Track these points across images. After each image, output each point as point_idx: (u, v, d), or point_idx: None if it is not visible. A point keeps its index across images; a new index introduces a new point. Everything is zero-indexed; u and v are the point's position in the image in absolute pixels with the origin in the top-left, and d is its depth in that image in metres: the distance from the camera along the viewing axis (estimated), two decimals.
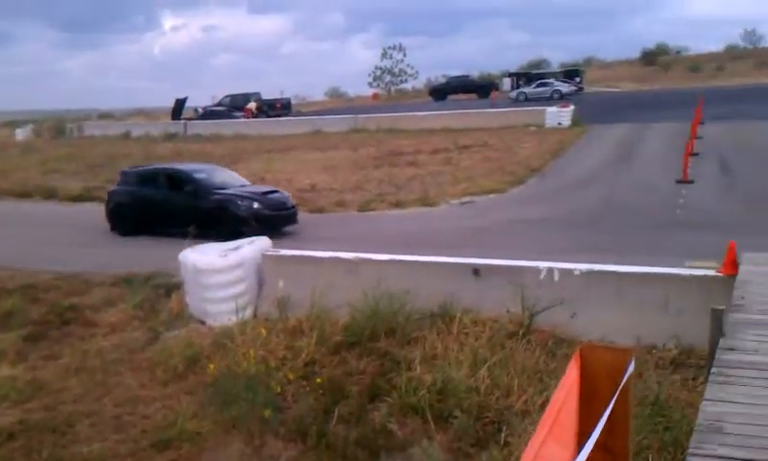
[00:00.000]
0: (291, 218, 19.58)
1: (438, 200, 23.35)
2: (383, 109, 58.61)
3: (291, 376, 10.16)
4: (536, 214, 20.30)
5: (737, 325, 7.30)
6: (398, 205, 22.85)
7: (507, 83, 73.10)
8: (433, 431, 8.76)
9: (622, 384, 3.44)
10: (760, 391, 5.69)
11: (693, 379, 9.20)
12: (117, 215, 20.46)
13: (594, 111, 43.42)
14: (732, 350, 6.60)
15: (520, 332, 10.47)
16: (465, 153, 33.04)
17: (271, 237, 15.65)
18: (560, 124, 39.77)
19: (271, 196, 19.80)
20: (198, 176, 20.25)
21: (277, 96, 66.35)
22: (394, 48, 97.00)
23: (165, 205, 19.60)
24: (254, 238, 13.77)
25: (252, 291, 12.82)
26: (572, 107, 42.33)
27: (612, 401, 3.27)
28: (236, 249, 13.12)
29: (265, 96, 64.81)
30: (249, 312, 12.48)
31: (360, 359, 10.54)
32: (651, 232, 17.28)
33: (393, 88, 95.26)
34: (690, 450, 4.75)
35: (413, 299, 11.08)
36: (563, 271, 10.98)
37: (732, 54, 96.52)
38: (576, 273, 10.91)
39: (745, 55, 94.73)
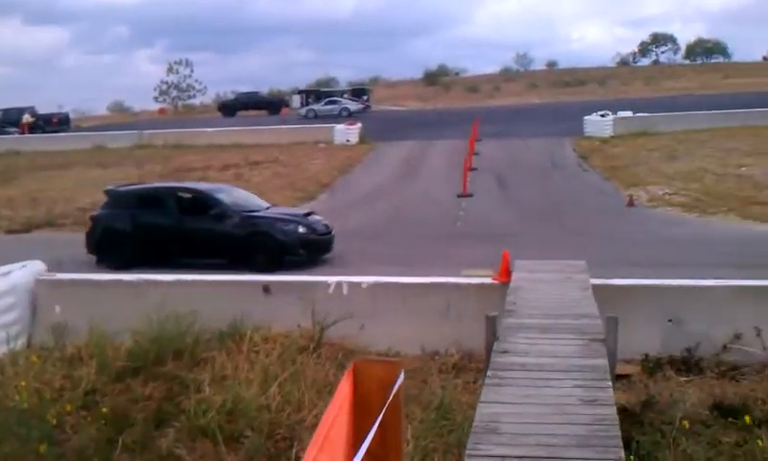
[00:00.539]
0: (330, 244, 16.89)
1: None
2: (170, 124, 56.89)
3: (69, 408, 9.54)
4: None
5: (510, 329, 7.80)
6: None
7: (297, 100, 73.49)
8: (224, 453, 8.57)
9: (392, 395, 3.53)
10: (531, 391, 6.10)
11: (474, 382, 9.67)
12: (108, 245, 16.61)
13: (381, 129, 44.68)
14: (505, 353, 7.04)
15: (311, 347, 10.53)
16: (255, 169, 32.85)
17: (309, 267, 14.76)
18: (348, 141, 40.59)
19: (311, 218, 17.19)
20: (220, 196, 17.24)
21: (55, 110, 62.51)
22: (180, 63, 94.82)
23: (179, 231, 16.29)
24: (27, 262, 12.82)
25: (25, 319, 11.94)
26: (360, 124, 43.35)
27: (383, 412, 3.35)
28: (6, 274, 12.16)
29: (41, 111, 60.77)
30: (22, 342, 11.60)
31: (145, 385, 10.10)
32: (434, 243, 18.03)
33: (180, 103, 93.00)
34: (468, 452, 4.98)
35: (201, 319, 10.81)
36: (351, 284, 11.20)
37: (507, 76, 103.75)
38: (363, 286, 11.17)
39: (518, 77, 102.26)
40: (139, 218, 16.72)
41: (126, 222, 16.75)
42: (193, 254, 15.94)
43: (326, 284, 11.26)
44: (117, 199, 17.65)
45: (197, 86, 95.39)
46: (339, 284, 11.22)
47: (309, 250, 16.26)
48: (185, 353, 10.49)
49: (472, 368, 10.06)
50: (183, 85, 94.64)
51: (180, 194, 17.51)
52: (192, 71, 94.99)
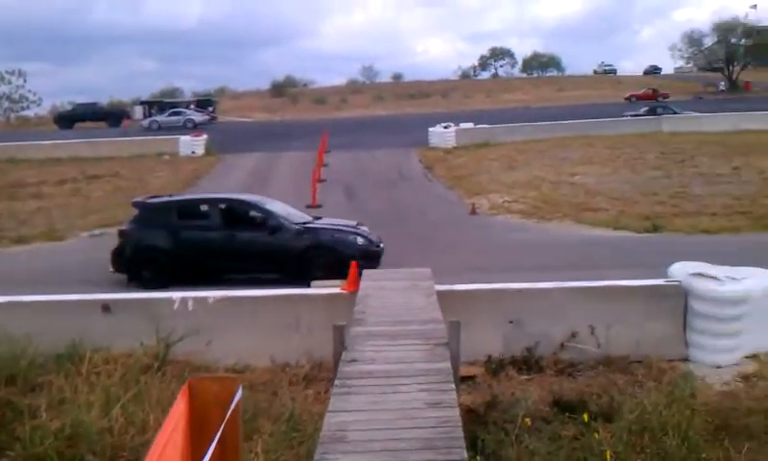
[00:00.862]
0: (381, 256, 15.76)
1: (66, 233, 22.02)
2: (2, 137, 53.62)
3: None
4: None
5: (358, 337, 7.87)
6: (21, 241, 21.12)
7: (139, 111, 71.47)
8: None
9: (230, 411, 3.48)
10: (378, 397, 6.17)
11: (325, 392, 9.66)
12: (144, 262, 15.35)
13: (228, 140, 44.13)
14: (353, 361, 7.09)
15: (156, 365, 10.19)
16: (95, 183, 31.61)
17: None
18: (194, 153, 39.86)
19: (362, 229, 16.25)
20: (271, 207, 16.17)
21: None
22: (12, 73, 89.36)
23: (228, 245, 15.19)
24: None
25: None
26: (205, 136, 42.68)
27: (221, 429, 3.30)
28: None
29: None
30: None
31: None
32: None
33: (13, 115, 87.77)
34: None
35: (37, 341, 10.22)
36: (197, 299, 10.92)
37: (354, 88, 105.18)
38: (210, 300, 10.92)
39: (364, 89, 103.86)
40: (180, 233, 15.54)
41: (164, 237, 15.47)
42: (243, 270, 14.74)
43: (171, 300, 10.92)
44: (150, 212, 16.17)
45: (31, 97, 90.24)
46: (184, 300, 10.91)
47: (368, 261, 14.99)
48: (19, 378, 9.89)
49: (323, 378, 10.06)
50: (16, 96, 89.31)
51: (227, 206, 16.30)
52: (25, 81, 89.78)
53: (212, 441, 3.11)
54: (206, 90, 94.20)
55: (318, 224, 16.19)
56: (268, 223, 15.50)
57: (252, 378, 9.78)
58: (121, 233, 16.14)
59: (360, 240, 15.54)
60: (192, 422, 3.42)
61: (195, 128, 51.92)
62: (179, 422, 3.24)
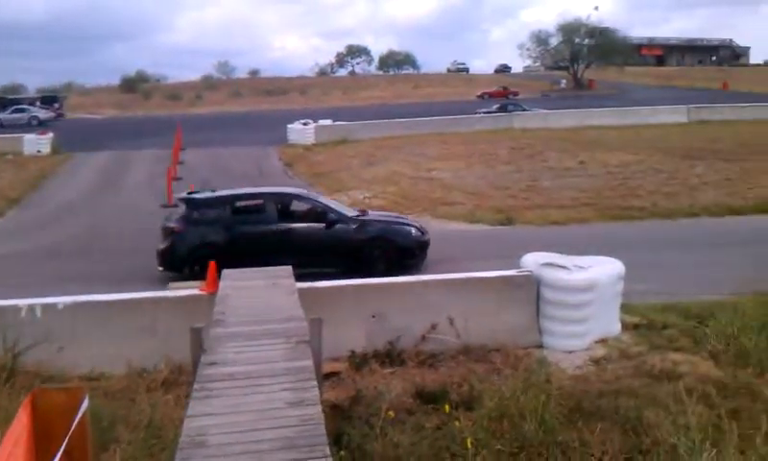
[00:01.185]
0: (428, 246, 15.71)
1: None
2: None
3: None
4: (16, 248, 18.97)
5: (218, 339, 7.70)
6: None
7: None
8: None
9: (77, 421, 3.34)
10: (239, 399, 6.06)
11: (186, 397, 9.43)
12: (197, 258, 14.28)
13: (77, 138, 42.35)
14: (213, 364, 6.93)
15: (3, 376, 9.62)
16: None
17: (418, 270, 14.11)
18: (39, 152, 38.06)
19: (410, 220, 16.48)
20: (328, 202, 16.05)
21: None
22: None
23: (286, 239, 14.67)
24: None
25: None
26: (52, 134, 40.76)
27: (66, 441, 3.16)
28: None
29: None
30: None
31: None
32: (138, 257, 17.31)
33: None
34: None
35: None
36: (45, 306, 10.36)
37: (209, 83, 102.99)
38: (60, 307, 10.40)
39: (219, 84, 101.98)
40: (235, 227, 15.01)
41: (218, 233, 14.92)
42: (301, 265, 13.39)
43: (17, 308, 10.32)
44: (200, 207, 15.47)
45: None
46: (32, 307, 10.33)
47: (421, 251, 15.46)
48: None
49: (183, 382, 9.79)
50: None
51: (282, 199, 15.94)
52: None
53: (56, 453, 2.96)
54: (52, 86, 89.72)
55: (371, 217, 16.17)
56: (327, 216, 15.34)
57: (108, 386, 9.41)
58: (169, 231, 15.37)
59: (414, 232, 15.67)
60: (36, 435, 3.24)
61: (40, 125, 49.50)
62: (21, 435, 3.06)
